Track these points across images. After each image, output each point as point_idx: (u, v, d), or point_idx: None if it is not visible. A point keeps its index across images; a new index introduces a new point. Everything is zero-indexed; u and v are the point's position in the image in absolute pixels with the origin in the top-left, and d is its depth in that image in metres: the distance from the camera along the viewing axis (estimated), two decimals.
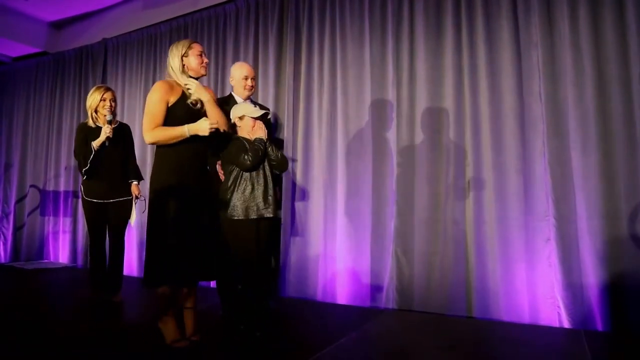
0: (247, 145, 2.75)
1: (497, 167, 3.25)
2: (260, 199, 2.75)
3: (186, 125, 2.42)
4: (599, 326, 2.90)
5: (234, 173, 2.75)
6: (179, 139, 2.42)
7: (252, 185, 2.75)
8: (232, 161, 2.75)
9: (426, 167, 3.45)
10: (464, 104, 3.39)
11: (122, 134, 3.59)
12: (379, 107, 3.65)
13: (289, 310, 3.41)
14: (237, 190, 2.74)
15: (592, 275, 2.95)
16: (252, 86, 3.13)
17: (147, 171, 4.88)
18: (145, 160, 4.91)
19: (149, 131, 2.39)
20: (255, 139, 2.76)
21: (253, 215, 2.72)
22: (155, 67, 5.09)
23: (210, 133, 2.43)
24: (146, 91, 5.08)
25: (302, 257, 3.85)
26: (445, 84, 3.46)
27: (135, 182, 3.62)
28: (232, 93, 3.19)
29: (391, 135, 3.60)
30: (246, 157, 2.68)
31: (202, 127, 2.42)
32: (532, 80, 3.20)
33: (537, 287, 3.09)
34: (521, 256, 3.14)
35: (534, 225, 3.12)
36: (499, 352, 2.56)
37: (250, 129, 2.82)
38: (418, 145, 3.50)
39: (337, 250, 3.71)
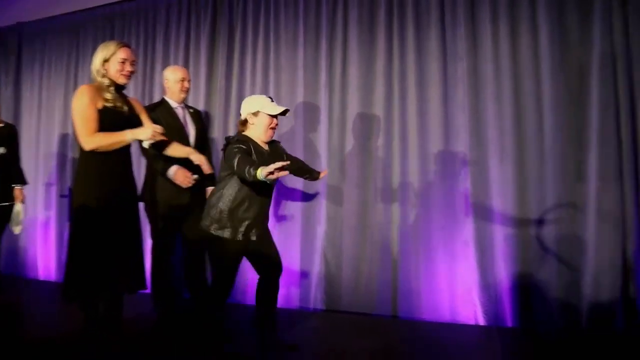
0: (254, 155, 2.34)
1: (423, 174, 3.40)
2: (252, 222, 2.44)
3: (127, 131, 2.34)
4: (509, 322, 3.14)
5: (229, 182, 2.41)
6: (121, 145, 2.35)
7: (249, 202, 2.41)
8: (231, 167, 2.30)
9: (356, 172, 3.54)
10: (393, 111, 3.51)
11: (8, 136, 3.41)
12: (311, 111, 3.68)
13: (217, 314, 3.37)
14: (228, 203, 2.40)
15: (504, 276, 3.18)
16: (188, 88, 3.20)
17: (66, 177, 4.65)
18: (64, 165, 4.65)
19: (89, 136, 2.27)
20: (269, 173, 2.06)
21: (240, 237, 2.42)
22: (77, 59, 4.78)
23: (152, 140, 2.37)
24: (67, 85, 4.79)
25: None
26: (376, 90, 3.56)
27: (18, 187, 3.46)
28: (165, 97, 3.18)
29: (322, 139, 3.65)
30: (252, 170, 2.12)
31: (145, 133, 2.35)
32: (457, 91, 3.37)
33: (457, 288, 3.28)
34: (443, 258, 3.31)
35: (455, 229, 3.31)
36: (419, 351, 2.70)
37: (266, 129, 2.47)
38: (348, 151, 3.58)
39: None
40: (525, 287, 3.15)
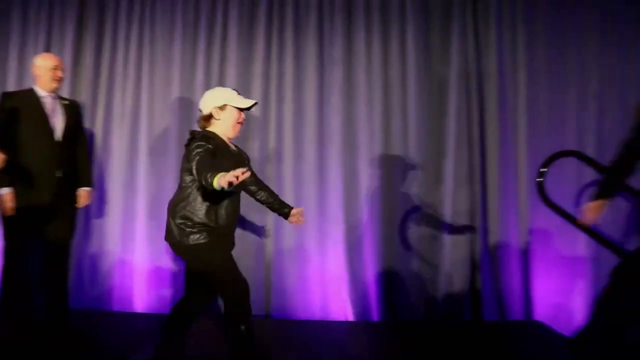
0: (216, 158, 2.03)
1: (297, 175, 3.47)
2: (230, 219, 2.19)
3: None
4: (376, 317, 3.33)
5: (194, 188, 2.09)
6: None
7: (222, 203, 2.12)
8: (190, 170, 2.01)
9: None
10: (270, 112, 3.54)
11: None
12: (187, 109, 3.55)
13: (81, 323, 3.12)
14: (202, 210, 2.08)
15: (372, 273, 3.37)
16: (61, 77, 2.98)
17: None
18: None
19: None
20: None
21: (222, 228, 2.15)
22: None
23: None
24: None
25: (96, 262, 3.55)
26: (254, 91, 3.55)
27: None
28: (35, 87, 2.93)
29: None
30: (209, 178, 1.84)
31: None
32: (332, 95, 3.51)
33: (328, 286, 3.40)
34: (315, 258, 3.42)
35: (328, 229, 3.43)
36: (294, 349, 2.74)
37: (234, 123, 2.21)
38: None
39: (137, 256, 3.51)
40: (390, 283, 3.38)
